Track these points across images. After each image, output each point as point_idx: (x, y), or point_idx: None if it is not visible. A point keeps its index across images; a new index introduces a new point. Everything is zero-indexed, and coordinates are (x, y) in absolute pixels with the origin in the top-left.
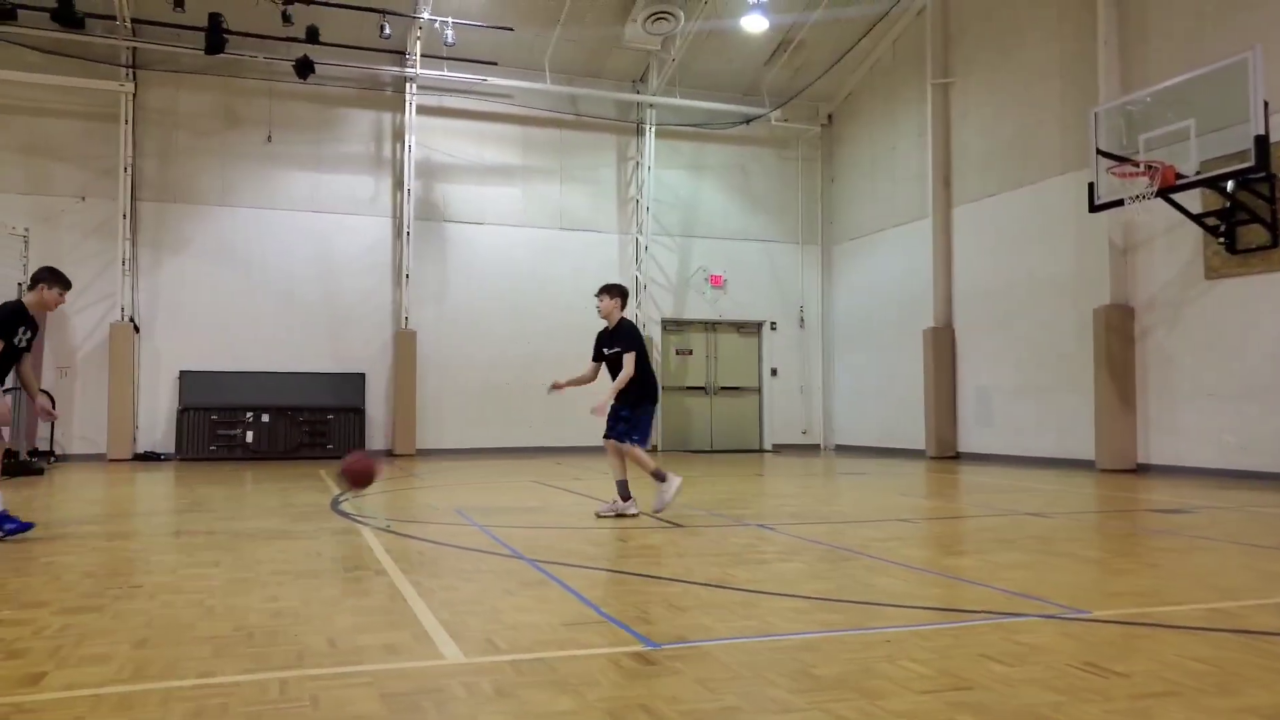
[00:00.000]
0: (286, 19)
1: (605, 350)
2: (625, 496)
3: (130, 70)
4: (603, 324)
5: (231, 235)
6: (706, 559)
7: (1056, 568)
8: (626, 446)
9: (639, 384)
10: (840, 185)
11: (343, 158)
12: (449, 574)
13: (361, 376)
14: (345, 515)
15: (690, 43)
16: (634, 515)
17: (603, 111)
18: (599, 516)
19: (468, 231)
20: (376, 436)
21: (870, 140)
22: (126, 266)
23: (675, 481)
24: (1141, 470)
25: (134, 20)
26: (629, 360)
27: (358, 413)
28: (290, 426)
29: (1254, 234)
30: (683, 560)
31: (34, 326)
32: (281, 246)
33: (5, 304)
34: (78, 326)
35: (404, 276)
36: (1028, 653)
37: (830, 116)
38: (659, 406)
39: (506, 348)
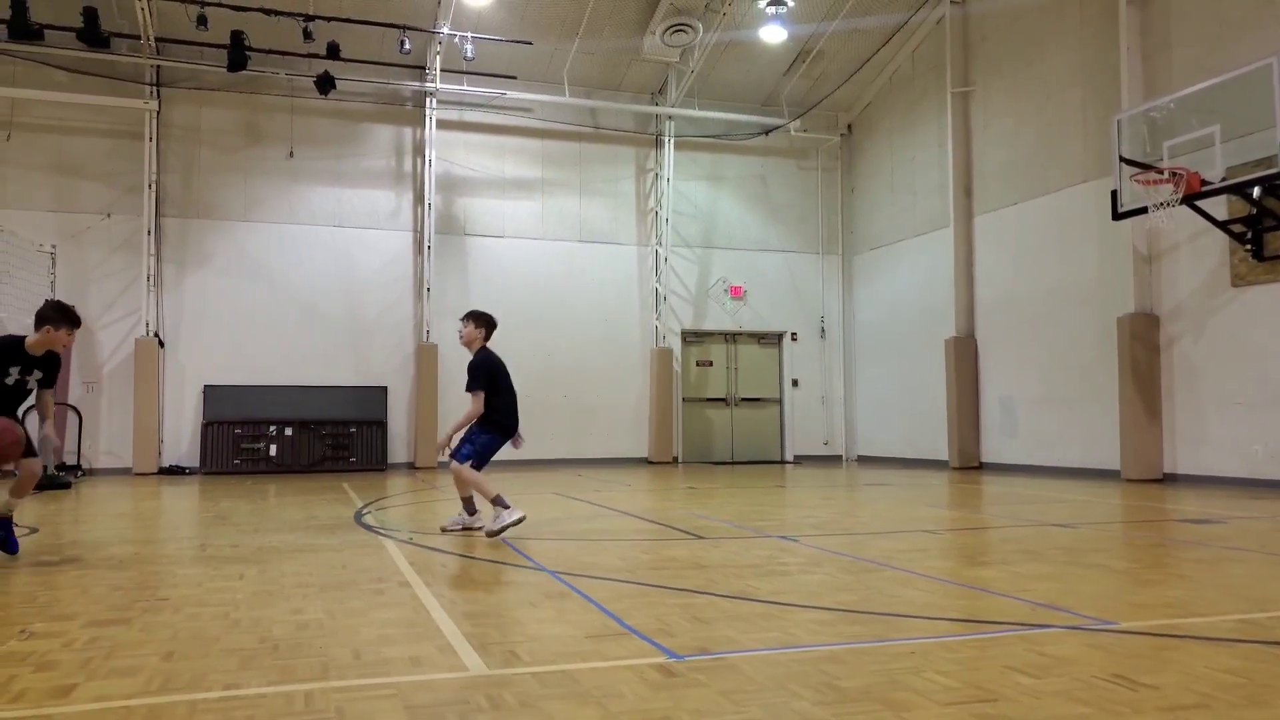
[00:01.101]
0: (307, 35)
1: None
2: (471, 511)
3: (154, 88)
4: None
5: (254, 250)
6: (729, 571)
7: (1083, 579)
8: (455, 465)
9: (499, 412)
10: (860, 195)
11: (364, 172)
12: (471, 586)
13: (383, 390)
14: (368, 528)
15: (709, 54)
16: (479, 529)
17: (621, 124)
18: (444, 531)
19: (488, 245)
20: (398, 449)
21: (890, 150)
22: (151, 282)
23: (515, 514)
24: (1168, 480)
25: (158, 39)
26: (474, 400)
27: (380, 426)
28: (313, 440)
29: None
30: (705, 572)
31: (30, 366)
32: (303, 261)
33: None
34: (103, 342)
35: (425, 290)
36: (1054, 665)
37: (850, 126)
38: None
39: (526, 360)
